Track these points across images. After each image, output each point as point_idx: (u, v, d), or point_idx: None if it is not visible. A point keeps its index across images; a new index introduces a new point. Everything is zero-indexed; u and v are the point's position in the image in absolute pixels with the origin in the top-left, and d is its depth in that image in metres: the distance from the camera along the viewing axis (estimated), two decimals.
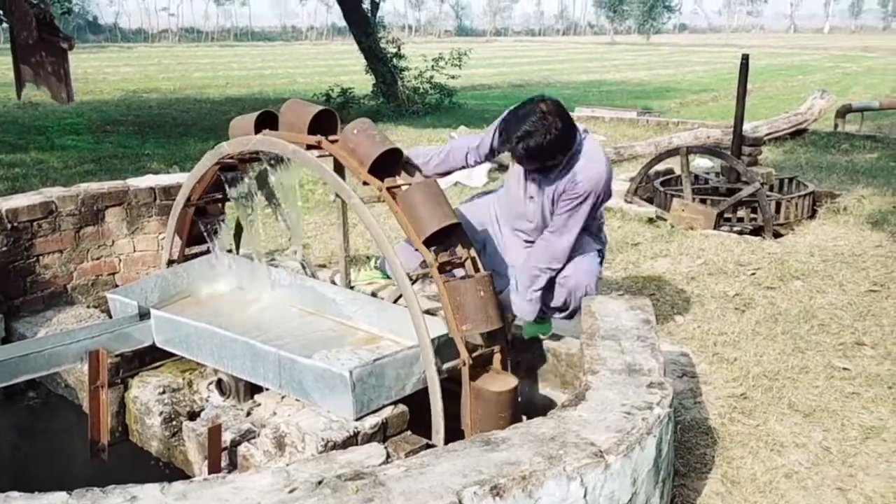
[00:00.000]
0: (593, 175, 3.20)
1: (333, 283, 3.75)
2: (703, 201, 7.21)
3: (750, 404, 3.46)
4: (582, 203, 3.22)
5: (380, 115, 15.75)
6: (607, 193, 3.32)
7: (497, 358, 3.10)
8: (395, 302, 3.47)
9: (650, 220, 6.67)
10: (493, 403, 2.93)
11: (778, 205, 7.35)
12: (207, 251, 4.01)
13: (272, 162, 3.43)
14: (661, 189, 7.68)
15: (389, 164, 3.09)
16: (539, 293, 3.40)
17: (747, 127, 9.88)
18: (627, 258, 5.61)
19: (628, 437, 2.10)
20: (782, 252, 5.75)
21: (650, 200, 7.76)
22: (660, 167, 8.03)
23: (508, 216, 3.56)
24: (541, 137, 3.06)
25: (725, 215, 7.20)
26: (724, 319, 4.45)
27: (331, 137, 3.16)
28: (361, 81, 19.03)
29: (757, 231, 7.04)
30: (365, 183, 3.09)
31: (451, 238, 3.08)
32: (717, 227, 6.96)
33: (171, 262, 3.94)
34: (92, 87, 21.81)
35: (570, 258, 3.38)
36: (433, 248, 3.02)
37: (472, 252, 3.12)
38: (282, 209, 3.83)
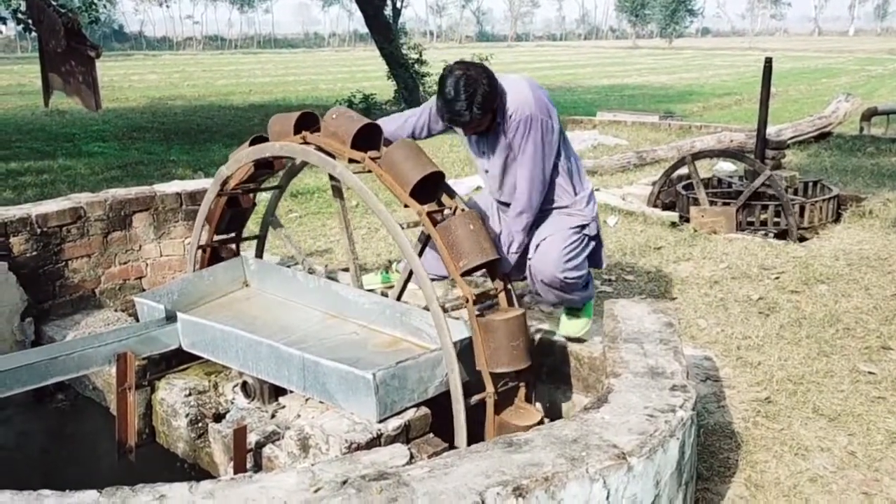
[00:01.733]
0: (520, 100, 3.13)
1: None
2: (725, 205, 7.17)
3: (774, 408, 3.44)
4: (526, 135, 3.14)
5: None
6: (547, 119, 3.15)
7: (522, 392, 3.08)
8: (397, 299, 3.53)
9: (673, 224, 6.65)
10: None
11: (802, 208, 7.29)
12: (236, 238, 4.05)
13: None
14: (684, 193, 7.65)
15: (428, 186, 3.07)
16: (517, 254, 3.39)
17: (771, 130, 9.81)
18: (650, 262, 5.59)
19: (651, 440, 2.10)
20: (807, 256, 5.70)
21: (673, 205, 7.72)
22: (682, 171, 7.99)
23: (495, 200, 3.59)
24: (483, 90, 3.05)
25: (749, 219, 7.16)
26: (747, 323, 4.42)
27: (371, 154, 3.14)
28: (383, 87, 19.14)
29: (781, 235, 6.99)
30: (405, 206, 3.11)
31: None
32: (739, 228, 6.92)
33: (201, 248, 3.96)
34: (118, 95, 22.11)
35: (537, 242, 3.35)
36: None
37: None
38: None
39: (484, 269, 3.04)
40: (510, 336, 2.89)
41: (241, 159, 3.60)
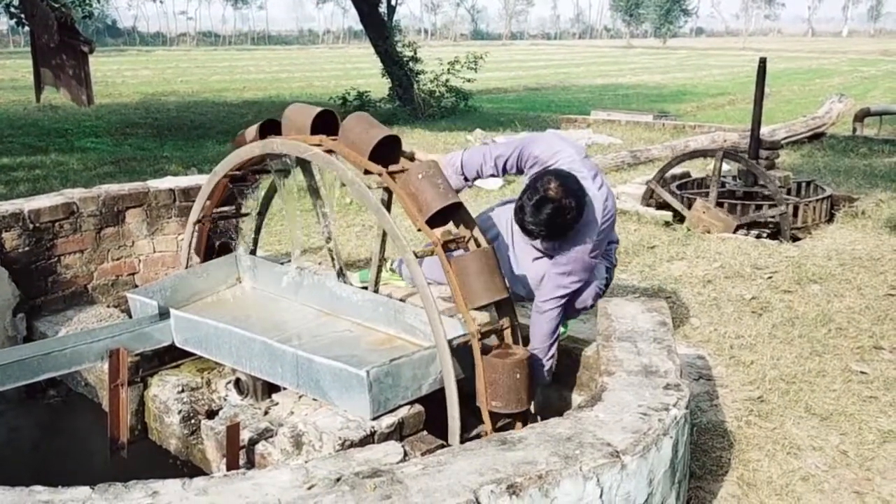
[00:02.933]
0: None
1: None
2: (719, 204, 7.19)
3: (767, 407, 3.45)
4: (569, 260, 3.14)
5: (395, 118, 15.79)
6: (607, 226, 3.18)
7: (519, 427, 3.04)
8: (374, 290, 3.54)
9: (666, 224, 6.66)
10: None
11: (795, 208, 7.32)
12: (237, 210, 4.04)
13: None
14: (679, 192, 7.66)
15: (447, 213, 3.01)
16: (552, 361, 3.27)
17: (765, 130, 9.84)
18: (643, 261, 5.60)
19: (645, 438, 2.11)
20: (800, 256, 5.72)
21: (667, 204, 7.73)
22: (676, 170, 8.00)
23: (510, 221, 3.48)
24: (561, 221, 2.98)
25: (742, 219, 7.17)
26: (740, 323, 4.43)
27: (391, 168, 3.10)
28: (377, 85, 19.11)
29: (774, 234, 7.01)
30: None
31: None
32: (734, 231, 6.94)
33: (199, 222, 3.92)
34: (111, 91, 22.03)
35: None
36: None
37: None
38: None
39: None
40: (512, 377, 2.89)
41: (243, 154, 3.56)
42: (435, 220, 2.95)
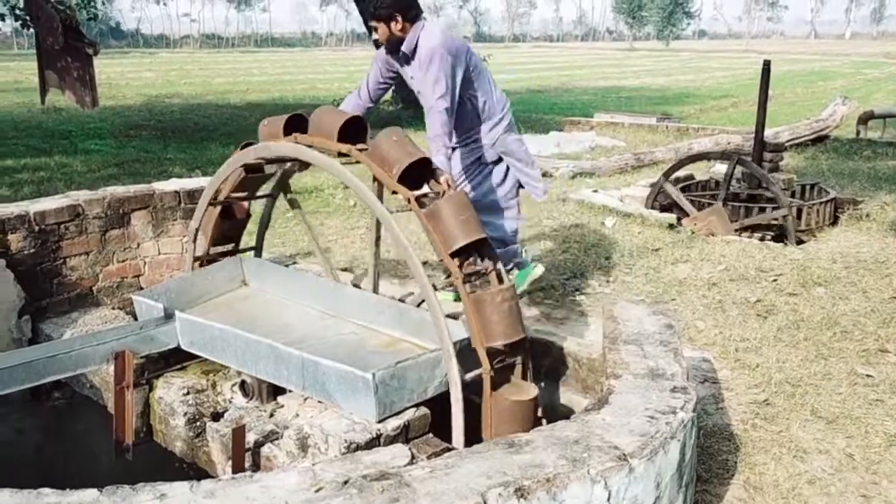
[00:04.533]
0: (429, 37, 3.86)
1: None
2: (710, 205, 7.20)
3: (772, 410, 3.44)
4: (425, 68, 3.82)
5: (399, 120, 15.78)
6: (446, 54, 3.81)
7: (518, 370, 3.11)
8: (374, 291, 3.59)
9: (670, 226, 6.65)
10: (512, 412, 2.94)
11: (800, 211, 7.31)
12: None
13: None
14: (683, 195, 7.65)
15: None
16: (441, 161, 3.64)
17: (769, 133, 9.82)
18: (648, 264, 5.60)
19: (652, 441, 2.10)
20: (804, 258, 5.71)
21: (670, 207, 7.73)
22: (680, 173, 8.00)
23: None
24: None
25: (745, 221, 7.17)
26: (745, 325, 4.42)
27: (359, 146, 3.19)
28: None
29: (779, 237, 7.00)
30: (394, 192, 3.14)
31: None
32: (740, 231, 6.94)
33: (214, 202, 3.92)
34: (115, 93, 22.05)
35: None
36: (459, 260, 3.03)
37: (499, 265, 3.13)
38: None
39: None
40: (501, 309, 2.90)
41: (233, 164, 3.62)
42: (408, 181, 3.04)
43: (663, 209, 7.57)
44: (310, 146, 3.27)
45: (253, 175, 3.79)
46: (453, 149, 4.07)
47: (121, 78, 29.29)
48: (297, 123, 3.39)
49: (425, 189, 3.16)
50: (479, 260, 3.09)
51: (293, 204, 4.04)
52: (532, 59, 52.50)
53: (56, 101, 14.16)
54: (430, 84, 3.82)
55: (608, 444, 2.08)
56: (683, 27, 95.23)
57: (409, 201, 3.04)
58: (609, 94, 24.98)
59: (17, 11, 12.86)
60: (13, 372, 3.21)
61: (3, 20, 13.60)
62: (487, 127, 4.12)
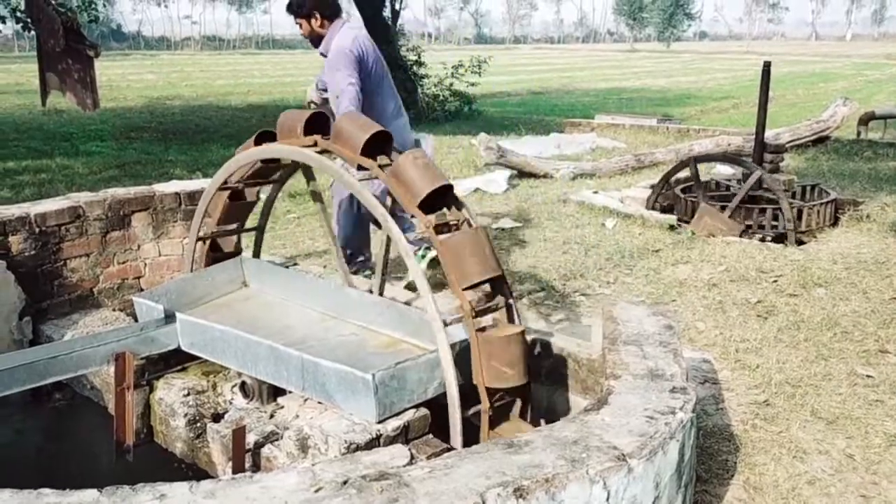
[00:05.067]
0: (338, 44, 4.42)
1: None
2: (722, 208, 7.18)
3: (772, 411, 3.45)
4: (333, 67, 4.40)
5: None
6: (350, 55, 4.37)
7: (517, 408, 3.11)
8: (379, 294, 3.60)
9: (671, 227, 6.65)
10: None
11: (800, 212, 7.30)
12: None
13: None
14: (683, 196, 7.66)
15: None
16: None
17: (769, 134, 9.82)
18: (648, 265, 5.60)
19: (651, 442, 2.11)
20: (805, 259, 5.71)
21: (671, 207, 7.73)
22: (681, 174, 7.99)
23: None
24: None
25: (747, 222, 7.17)
26: (746, 326, 4.43)
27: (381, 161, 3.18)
28: None
29: (779, 238, 7.00)
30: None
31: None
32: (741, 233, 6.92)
33: (200, 239, 3.93)
34: (116, 95, 22.07)
35: None
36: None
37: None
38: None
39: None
40: (508, 352, 2.89)
41: (242, 160, 3.60)
42: (427, 205, 3.01)
43: (663, 210, 7.57)
44: (322, 152, 3.25)
45: (268, 164, 3.77)
46: None
47: (122, 80, 29.33)
48: (318, 124, 3.37)
49: (445, 215, 3.12)
50: (493, 296, 3.08)
51: (315, 197, 3.92)
52: (533, 61, 52.53)
53: (57, 103, 14.17)
54: (339, 75, 4.35)
55: (607, 444, 2.08)
56: (684, 28, 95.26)
57: (426, 228, 3.02)
58: (610, 95, 25.00)
59: (19, 14, 12.90)
60: (14, 373, 3.21)
61: (4, 22, 13.64)
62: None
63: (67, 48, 9.45)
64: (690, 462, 2.40)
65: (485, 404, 2.93)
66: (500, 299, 3.07)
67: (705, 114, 19.22)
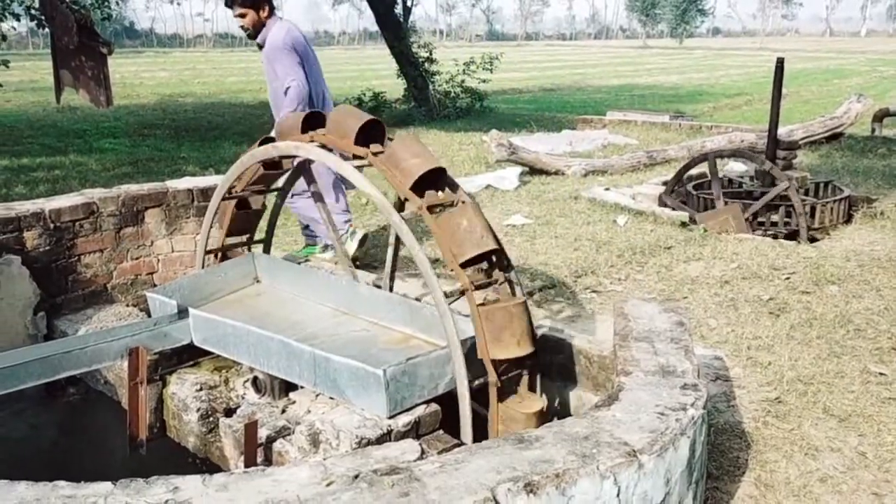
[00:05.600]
0: (274, 39, 4.81)
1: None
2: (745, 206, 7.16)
3: (784, 408, 3.43)
4: (274, 59, 4.83)
5: (411, 119, 15.83)
6: (283, 49, 4.79)
7: (525, 380, 3.13)
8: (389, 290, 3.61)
9: (683, 224, 6.63)
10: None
11: (813, 209, 7.26)
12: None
13: None
14: (695, 193, 7.63)
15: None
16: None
17: (782, 131, 9.77)
18: (660, 262, 5.58)
19: (662, 438, 2.11)
20: (818, 256, 5.68)
21: (684, 204, 7.71)
22: (693, 171, 7.97)
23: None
24: None
25: (759, 219, 7.14)
26: (758, 323, 4.41)
27: (373, 149, 3.22)
28: (393, 86, 19.14)
29: (792, 235, 6.96)
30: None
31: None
32: (752, 230, 6.90)
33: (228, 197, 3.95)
34: (129, 92, 22.20)
35: None
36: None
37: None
38: None
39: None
40: (512, 323, 2.91)
41: (247, 161, 3.64)
42: (421, 189, 3.04)
43: (675, 207, 7.54)
44: (323, 146, 3.29)
45: (269, 171, 3.81)
46: None
47: (135, 77, 29.48)
48: (315, 121, 3.43)
49: (439, 196, 3.15)
50: (492, 271, 3.10)
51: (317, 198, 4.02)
52: (545, 58, 52.40)
53: (71, 100, 14.27)
54: (280, 68, 4.76)
55: (618, 440, 2.08)
56: (697, 25, 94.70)
57: (419, 210, 3.04)
58: (622, 92, 24.91)
59: (33, 11, 12.96)
60: (29, 367, 3.24)
61: (19, 20, 13.71)
62: None
63: (81, 45, 9.48)
64: (701, 459, 2.40)
65: (492, 377, 2.93)
66: (498, 274, 3.08)
67: (718, 110, 19.13)
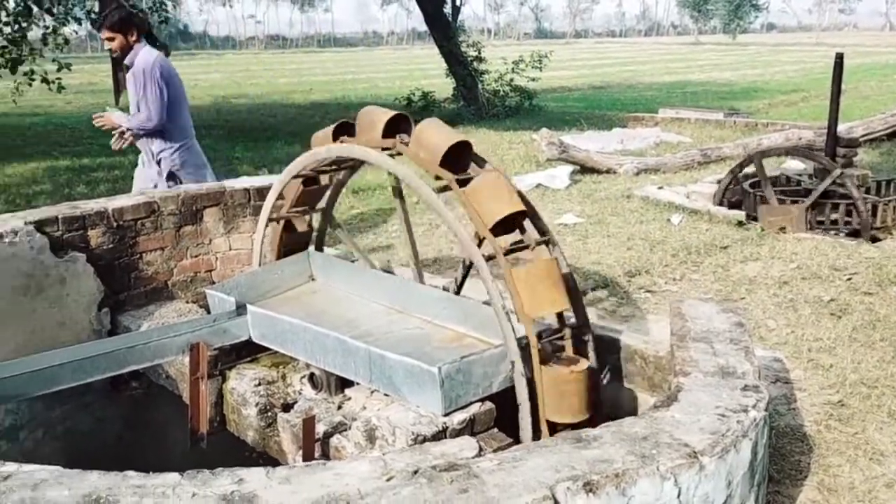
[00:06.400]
0: (143, 63, 5.12)
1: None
2: (794, 203, 7.00)
3: (847, 412, 3.35)
4: (143, 82, 5.12)
5: (460, 118, 15.84)
6: (151, 76, 5.11)
7: (569, 343, 3.13)
8: (457, 292, 3.60)
9: (739, 223, 6.51)
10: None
11: (875, 208, 7.06)
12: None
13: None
14: (751, 191, 7.49)
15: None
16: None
17: (842, 128, 9.52)
18: (716, 262, 5.50)
19: (723, 440, 2.08)
20: (880, 256, 5.52)
21: (739, 203, 7.57)
22: (749, 169, 7.82)
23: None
24: (119, 17, 5.21)
25: (819, 218, 6.97)
26: (819, 325, 4.31)
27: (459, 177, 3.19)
28: (442, 85, 19.19)
29: (853, 234, 6.78)
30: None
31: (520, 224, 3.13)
32: (809, 227, 6.74)
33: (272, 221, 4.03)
34: None
35: None
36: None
37: (548, 237, 3.16)
38: None
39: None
40: (547, 281, 2.90)
41: (321, 154, 3.63)
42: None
43: (731, 206, 7.41)
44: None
45: (309, 188, 3.88)
46: (178, 148, 5.37)
47: (189, 79, 30.00)
48: (344, 130, 3.51)
49: (469, 173, 3.16)
50: (522, 233, 3.11)
51: (396, 192, 3.92)
52: (594, 55, 51.94)
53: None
54: (149, 90, 5.10)
55: (678, 441, 2.06)
56: (751, 20, 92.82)
57: (450, 183, 3.06)
58: (674, 89, 24.55)
59: (93, 15, 13.34)
60: (95, 361, 3.34)
61: (80, 24, 14.12)
62: (177, 144, 5.37)
63: None
64: (763, 462, 2.36)
65: (533, 339, 2.90)
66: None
67: (773, 107, 18.72)
